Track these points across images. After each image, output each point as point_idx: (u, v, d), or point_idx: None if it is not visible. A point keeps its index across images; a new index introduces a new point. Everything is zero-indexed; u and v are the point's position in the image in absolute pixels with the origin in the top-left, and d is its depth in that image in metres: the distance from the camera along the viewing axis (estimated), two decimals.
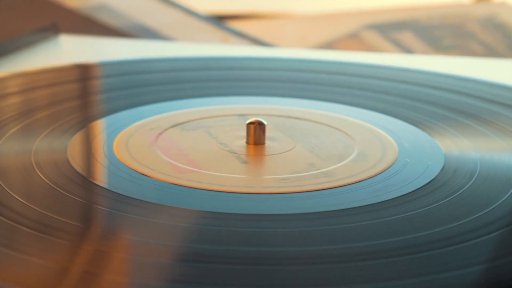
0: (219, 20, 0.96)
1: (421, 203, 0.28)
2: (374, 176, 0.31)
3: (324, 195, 0.29)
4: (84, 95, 0.44)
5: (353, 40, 0.95)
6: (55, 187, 0.29)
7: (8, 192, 0.28)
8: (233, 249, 0.25)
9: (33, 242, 0.25)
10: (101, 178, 0.30)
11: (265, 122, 0.35)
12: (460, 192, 0.30)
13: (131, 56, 0.55)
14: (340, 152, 0.34)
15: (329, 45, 0.93)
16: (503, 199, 0.29)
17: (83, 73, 0.49)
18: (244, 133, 0.35)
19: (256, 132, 0.35)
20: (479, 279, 0.23)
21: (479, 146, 0.35)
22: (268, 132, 0.36)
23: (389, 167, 0.32)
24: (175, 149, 0.34)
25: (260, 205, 0.28)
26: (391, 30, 0.97)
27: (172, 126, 0.37)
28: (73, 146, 0.34)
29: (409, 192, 0.29)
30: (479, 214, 0.28)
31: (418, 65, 0.52)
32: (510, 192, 0.30)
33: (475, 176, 0.31)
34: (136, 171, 0.31)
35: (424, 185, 0.30)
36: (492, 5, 1.11)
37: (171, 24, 0.87)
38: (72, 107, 0.40)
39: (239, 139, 0.35)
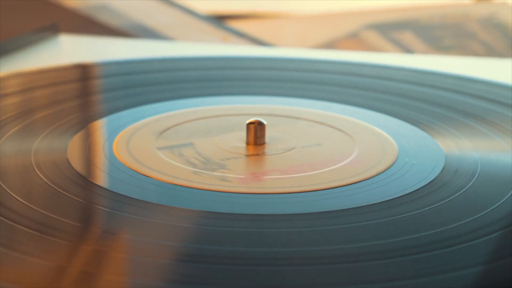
0: (219, 20, 0.96)
1: (421, 203, 0.28)
2: (374, 176, 0.31)
3: (324, 195, 0.29)
4: (84, 95, 0.44)
5: (353, 40, 0.95)
6: (55, 187, 0.29)
7: (8, 192, 0.28)
8: (233, 249, 0.25)
9: (32, 242, 0.25)
10: (101, 178, 0.30)
11: (265, 122, 0.35)
12: (460, 192, 0.30)
13: (131, 56, 0.55)
14: (340, 152, 0.34)
15: (329, 45, 0.93)
16: (504, 199, 0.29)
17: (83, 73, 0.49)
18: (243, 133, 0.35)
19: (256, 132, 0.35)
20: (479, 279, 0.23)
21: (479, 146, 0.35)
22: (268, 132, 0.36)
23: (389, 167, 0.32)
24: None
25: (260, 205, 0.28)
26: (391, 30, 0.97)
27: (178, 124, 0.37)
28: (73, 146, 0.34)
29: (410, 193, 0.29)
30: (480, 214, 0.27)
31: (418, 65, 0.52)
32: (511, 192, 0.30)
33: (475, 176, 0.31)
34: (136, 171, 0.31)
35: (424, 185, 0.30)
36: (492, 5, 1.11)
37: (171, 24, 0.87)
38: (72, 107, 0.40)
39: (239, 139, 0.35)
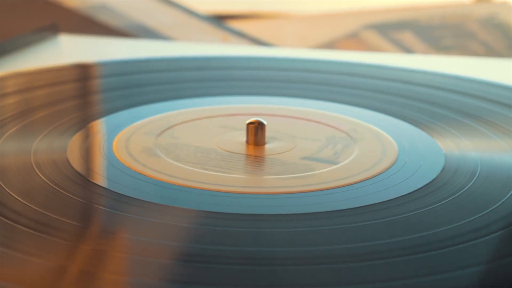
0: (219, 20, 0.96)
1: (421, 203, 0.28)
2: (374, 176, 0.31)
3: (324, 195, 0.29)
4: (83, 95, 0.44)
5: (353, 40, 0.95)
6: (54, 187, 0.29)
7: (8, 192, 0.28)
8: (233, 249, 0.25)
9: (32, 242, 0.25)
10: (101, 177, 0.30)
11: (265, 122, 0.35)
12: (460, 192, 0.30)
13: (131, 56, 0.55)
14: (340, 152, 0.34)
15: (329, 45, 0.93)
16: (504, 199, 0.29)
17: (83, 73, 0.49)
18: (243, 133, 0.35)
19: (256, 132, 0.35)
20: (479, 279, 0.23)
21: (479, 146, 0.35)
22: (268, 132, 0.36)
23: (389, 167, 0.32)
24: (177, 150, 0.34)
25: (260, 205, 0.28)
26: (391, 30, 0.97)
27: (178, 124, 0.37)
28: (73, 146, 0.34)
29: (410, 193, 0.29)
30: (480, 214, 0.27)
31: (418, 65, 0.52)
32: (511, 192, 0.30)
33: (475, 177, 0.31)
34: (135, 171, 0.31)
35: (424, 185, 0.30)
36: (492, 5, 1.11)
37: (171, 24, 0.87)
38: (71, 107, 0.40)
39: (239, 139, 0.35)
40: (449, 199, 0.29)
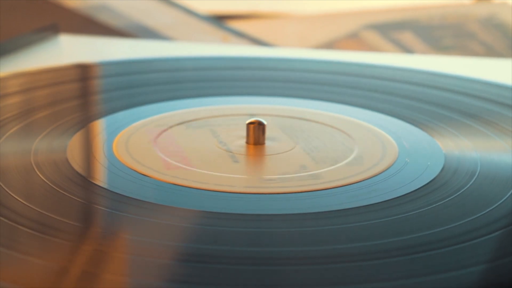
0: (219, 20, 0.96)
1: (421, 203, 0.28)
2: (374, 176, 0.31)
3: (324, 195, 0.29)
4: (84, 95, 0.44)
5: (353, 40, 0.95)
6: (54, 187, 0.29)
7: (8, 192, 0.28)
8: (233, 249, 0.25)
9: (33, 242, 0.25)
10: (101, 178, 0.30)
11: (265, 122, 0.35)
12: (460, 192, 0.30)
13: (131, 56, 0.55)
14: (340, 152, 0.34)
15: (329, 45, 0.93)
16: (503, 199, 0.29)
17: (83, 73, 0.49)
18: (244, 133, 0.35)
19: (256, 132, 0.35)
20: (479, 279, 0.23)
21: (479, 146, 0.35)
22: (268, 132, 0.36)
23: (389, 167, 0.32)
24: (173, 147, 0.34)
25: (260, 205, 0.28)
26: (391, 30, 0.97)
27: (178, 124, 0.37)
28: (73, 146, 0.34)
29: (409, 192, 0.29)
30: (479, 214, 0.27)
31: (418, 65, 0.52)
32: (510, 192, 0.30)
33: (475, 176, 0.31)
34: (136, 171, 0.31)
35: (424, 185, 0.30)
36: (492, 5, 1.11)
37: (171, 24, 0.87)
38: (72, 107, 0.40)
39: (239, 139, 0.35)
40: (448, 198, 0.29)
